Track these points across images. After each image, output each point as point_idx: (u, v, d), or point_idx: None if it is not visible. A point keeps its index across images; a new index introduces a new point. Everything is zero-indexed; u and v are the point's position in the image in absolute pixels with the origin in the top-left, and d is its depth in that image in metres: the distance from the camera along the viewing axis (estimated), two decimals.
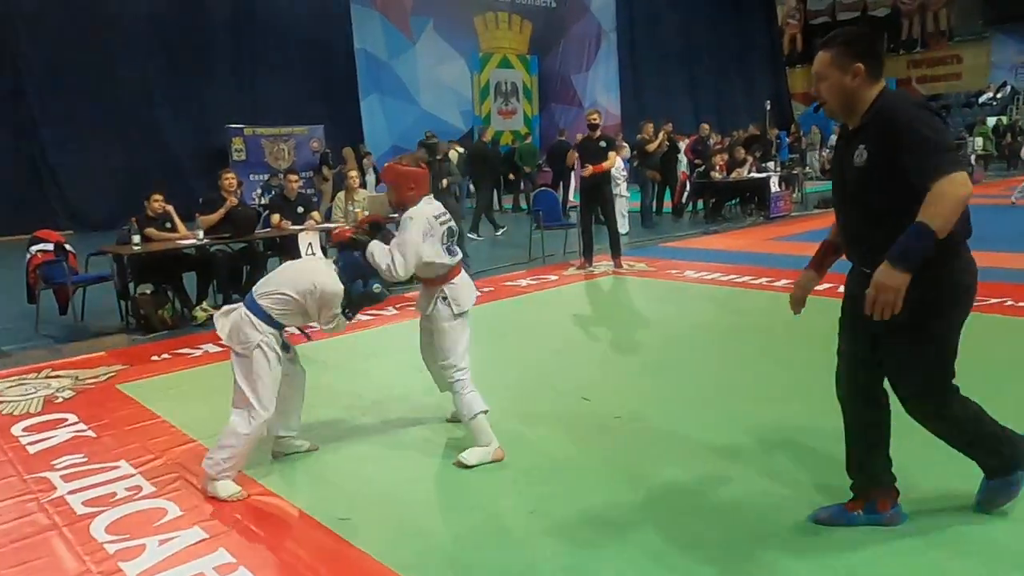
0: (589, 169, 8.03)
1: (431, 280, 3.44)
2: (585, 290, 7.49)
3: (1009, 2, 24.47)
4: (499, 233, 11.65)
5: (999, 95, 24.59)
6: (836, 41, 2.37)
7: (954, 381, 2.43)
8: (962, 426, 2.50)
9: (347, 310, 3.30)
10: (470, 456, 3.30)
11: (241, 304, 3.23)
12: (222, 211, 6.78)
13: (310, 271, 3.31)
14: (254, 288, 3.28)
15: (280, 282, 3.23)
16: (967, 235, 2.34)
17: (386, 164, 3.55)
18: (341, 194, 8.28)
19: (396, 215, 3.23)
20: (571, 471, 3.22)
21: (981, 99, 24.79)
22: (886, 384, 2.53)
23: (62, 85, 13.81)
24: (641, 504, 2.91)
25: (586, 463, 3.30)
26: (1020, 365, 4.36)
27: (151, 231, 6.60)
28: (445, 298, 3.39)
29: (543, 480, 3.16)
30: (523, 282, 7.75)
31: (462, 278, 3.48)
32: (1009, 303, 5.62)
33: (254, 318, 3.13)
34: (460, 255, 3.59)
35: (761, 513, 2.76)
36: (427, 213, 3.40)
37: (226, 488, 3.09)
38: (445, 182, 8.40)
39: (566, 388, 4.31)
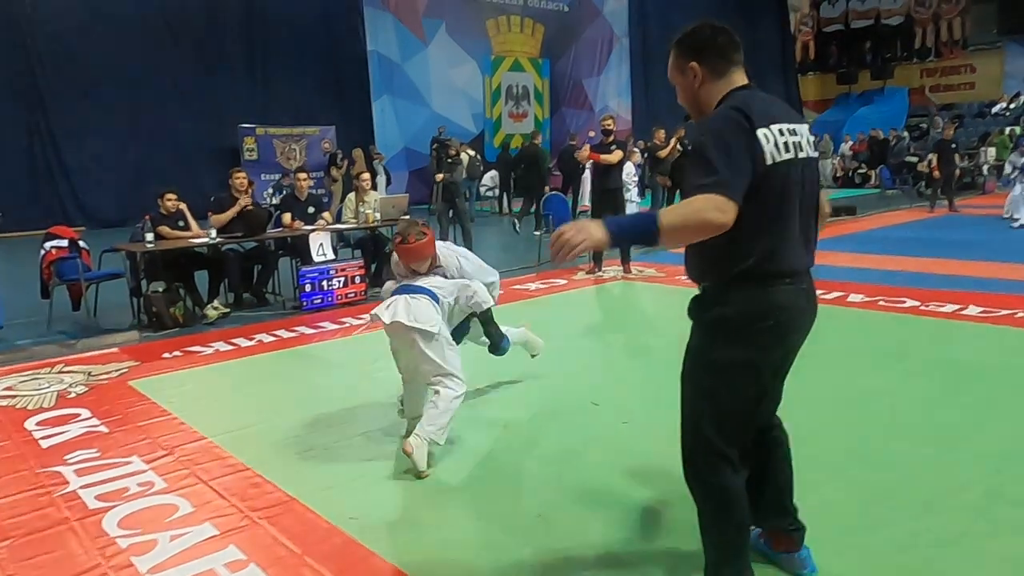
0: (586, 149, 8.07)
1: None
2: (594, 295, 7.50)
3: (1022, 12, 24.34)
4: (539, 233, 11.68)
5: (1012, 105, 24.42)
6: (674, 41, 2.20)
7: (731, 445, 2.11)
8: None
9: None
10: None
11: (409, 294, 3.43)
12: (235, 210, 6.83)
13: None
14: (420, 281, 3.52)
15: (450, 289, 3.56)
16: (765, 271, 1.99)
17: (399, 248, 3.61)
18: (352, 195, 8.32)
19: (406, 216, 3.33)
20: (579, 475, 3.23)
21: (994, 109, 24.63)
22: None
23: (76, 82, 13.94)
24: (650, 510, 2.92)
25: (594, 468, 3.31)
26: None
27: (164, 229, 6.66)
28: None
29: (552, 484, 3.17)
30: (532, 286, 7.77)
31: None
32: (1020, 315, 5.61)
33: (435, 303, 3.41)
34: None
35: None
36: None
37: (423, 461, 3.26)
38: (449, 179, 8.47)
39: (574, 392, 4.32)
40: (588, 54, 22.29)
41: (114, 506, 3.05)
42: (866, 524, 2.69)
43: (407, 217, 8.13)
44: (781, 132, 1.98)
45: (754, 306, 2.02)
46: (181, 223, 6.88)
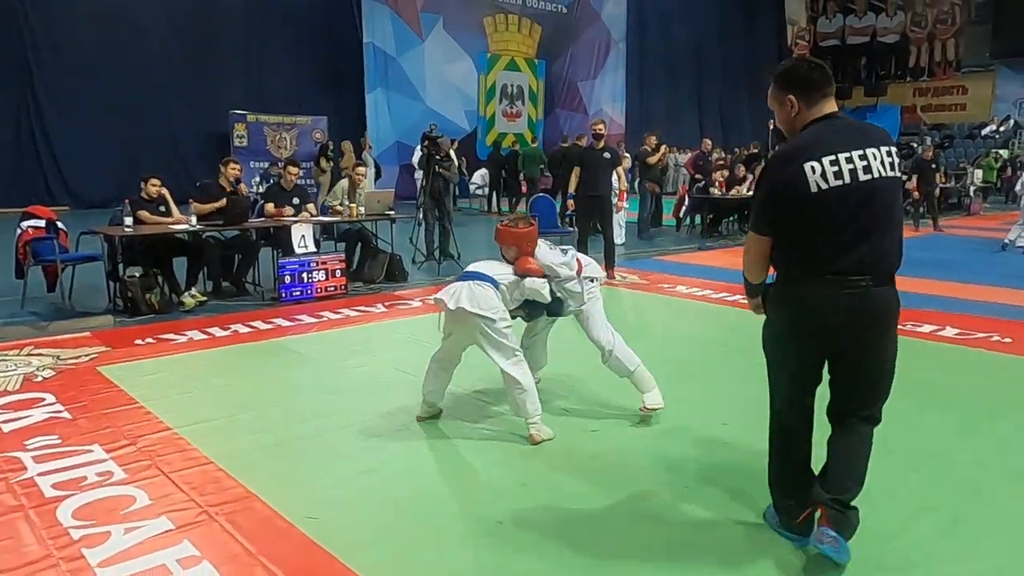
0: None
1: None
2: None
3: (1016, 37, 24.57)
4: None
5: (1002, 128, 24.67)
6: (773, 75, 2.58)
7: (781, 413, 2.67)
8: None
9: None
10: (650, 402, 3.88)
11: (473, 280, 3.57)
12: (217, 204, 6.75)
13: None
14: (483, 268, 3.67)
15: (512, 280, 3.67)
16: (808, 271, 2.44)
17: (499, 227, 3.87)
18: (344, 182, 8.27)
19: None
20: (545, 483, 3.20)
21: (984, 131, 24.88)
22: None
23: (67, 61, 13.80)
24: (616, 518, 2.89)
25: (560, 477, 3.28)
26: (998, 399, 4.36)
27: (144, 214, 6.59)
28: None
29: (517, 491, 3.14)
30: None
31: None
32: (995, 338, 5.63)
33: (495, 290, 3.55)
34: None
35: (753, 530, 2.76)
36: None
37: (543, 431, 3.56)
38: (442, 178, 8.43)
39: (547, 397, 4.29)
40: (584, 57, 22.30)
41: (70, 495, 2.99)
42: None
43: (391, 212, 8.10)
44: (833, 162, 2.35)
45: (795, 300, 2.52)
46: (162, 208, 6.80)
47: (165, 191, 6.86)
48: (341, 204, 7.91)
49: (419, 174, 11.04)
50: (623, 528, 2.83)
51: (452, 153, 12.71)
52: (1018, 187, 11.24)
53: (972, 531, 2.81)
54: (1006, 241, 10.80)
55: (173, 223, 6.73)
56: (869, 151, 2.37)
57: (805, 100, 2.47)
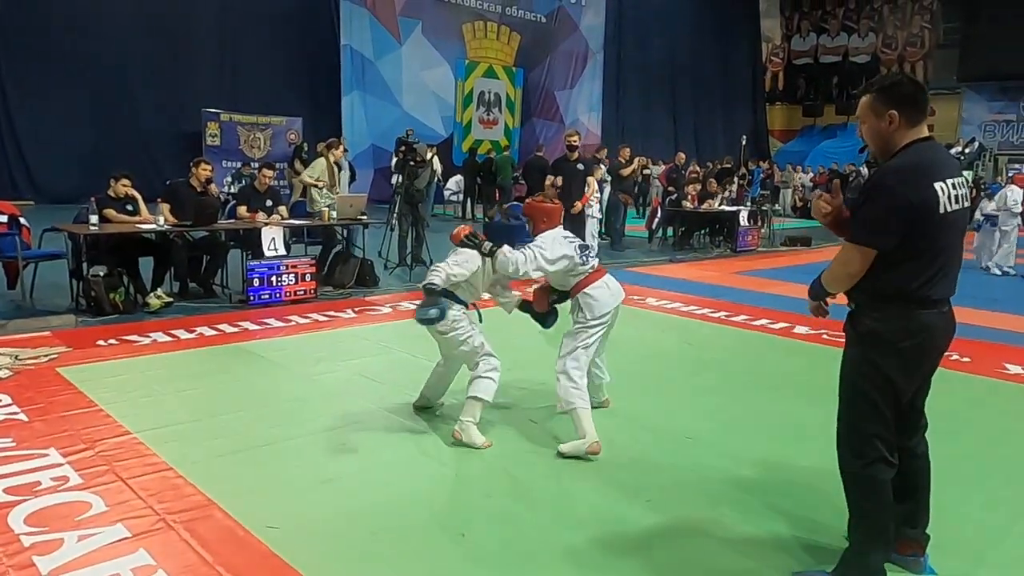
0: (578, 206, 8.19)
1: (569, 290, 3.88)
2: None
3: (982, 61, 25.24)
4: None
5: (967, 150, 25.27)
6: (874, 87, 2.47)
7: (883, 442, 2.42)
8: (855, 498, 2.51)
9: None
10: (569, 447, 3.63)
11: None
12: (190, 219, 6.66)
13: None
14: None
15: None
16: (920, 298, 2.35)
17: (527, 202, 4.01)
18: (321, 161, 8.40)
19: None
20: (509, 495, 3.20)
21: (950, 152, 25.46)
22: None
23: (35, 54, 13.50)
24: (581, 530, 2.90)
25: (524, 489, 3.28)
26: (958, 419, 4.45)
27: (110, 212, 6.48)
28: (579, 306, 3.82)
29: (481, 502, 3.14)
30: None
31: (597, 287, 3.82)
32: (954, 357, 5.75)
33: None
34: (593, 263, 3.92)
35: (706, 537, 2.78)
36: (558, 234, 3.86)
37: (476, 438, 3.64)
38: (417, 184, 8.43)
39: (510, 408, 4.29)
40: (562, 66, 22.40)
41: (23, 500, 2.93)
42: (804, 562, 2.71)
43: (364, 217, 8.05)
44: (954, 186, 2.33)
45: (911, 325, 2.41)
46: (130, 207, 6.69)
47: (134, 192, 6.75)
48: (319, 181, 7.94)
49: (395, 179, 11.00)
50: (587, 539, 2.84)
51: (436, 159, 12.68)
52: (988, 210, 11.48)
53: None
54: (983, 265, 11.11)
55: (140, 222, 6.63)
56: (960, 180, 2.39)
57: (908, 118, 2.39)
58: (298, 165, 14.34)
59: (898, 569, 2.61)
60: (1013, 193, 11.01)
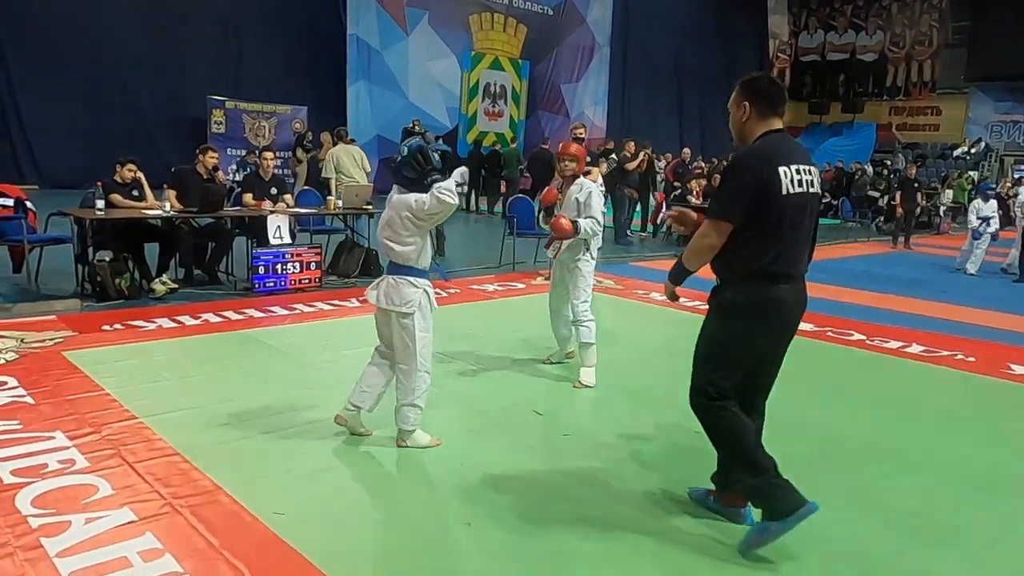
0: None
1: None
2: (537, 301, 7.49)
3: (990, 61, 25.12)
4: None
5: (973, 150, 25.19)
6: (739, 81, 2.80)
7: (727, 395, 2.74)
8: (722, 438, 2.80)
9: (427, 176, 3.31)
10: (587, 377, 4.51)
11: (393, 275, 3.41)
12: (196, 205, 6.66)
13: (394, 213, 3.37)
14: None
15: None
16: (767, 273, 2.63)
17: (565, 143, 4.88)
18: (337, 151, 9.16)
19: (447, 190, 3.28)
20: (513, 485, 3.21)
21: (956, 152, 25.38)
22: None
23: (41, 38, 13.48)
24: (592, 522, 2.91)
25: (529, 479, 3.29)
26: (961, 417, 4.45)
27: (116, 197, 6.48)
28: (588, 249, 4.60)
29: (487, 492, 3.14)
30: (490, 287, 7.74)
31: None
32: (960, 356, 5.75)
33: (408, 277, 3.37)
34: None
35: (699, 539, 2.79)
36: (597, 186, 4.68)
37: (422, 439, 3.52)
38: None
39: (519, 400, 4.30)
40: (568, 59, 22.34)
41: (30, 483, 2.94)
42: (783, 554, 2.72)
43: (370, 206, 8.05)
44: (789, 170, 2.60)
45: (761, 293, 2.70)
46: (136, 192, 6.69)
47: (141, 175, 6.75)
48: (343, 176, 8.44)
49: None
50: (599, 528, 2.84)
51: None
52: (972, 218, 11.42)
53: (931, 542, 2.86)
54: (958, 266, 11.04)
55: (146, 208, 6.63)
56: (811, 168, 2.70)
57: (758, 111, 2.72)
58: (300, 153, 14.32)
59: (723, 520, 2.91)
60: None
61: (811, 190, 2.66)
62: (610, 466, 3.46)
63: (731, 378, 2.73)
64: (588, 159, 8.24)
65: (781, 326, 2.73)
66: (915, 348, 5.93)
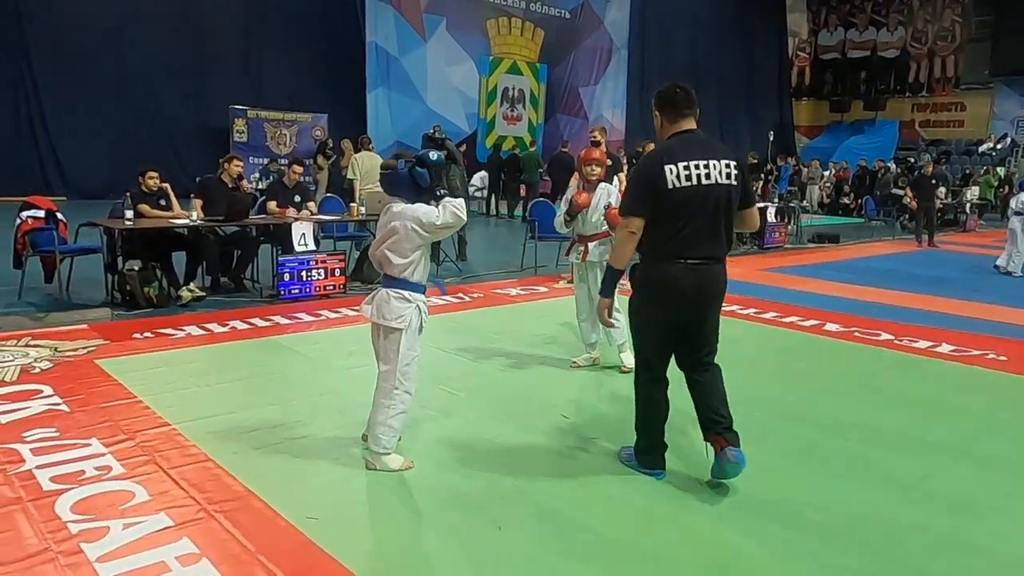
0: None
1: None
2: (573, 304, 7.48)
3: (1015, 55, 24.73)
4: None
5: (999, 146, 24.80)
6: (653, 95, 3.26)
7: (652, 366, 3.26)
8: (637, 402, 3.35)
9: (438, 189, 3.27)
10: (631, 360, 4.33)
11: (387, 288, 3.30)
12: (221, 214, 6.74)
13: (398, 224, 3.26)
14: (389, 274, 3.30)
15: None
16: (663, 254, 3.10)
17: (588, 149, 5.13)
18: (363, 156, 9.56)
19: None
20: (544, 490, 3.21)
21: (981, 148, 25.02)
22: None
23: (67, 50, 13.76)
24: (622, 524, 2.90)
25: (560, 483, 3.29)
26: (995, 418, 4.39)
27: (144, 207, 6.57)
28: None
29: (516, 497, 3.15)
30: (513, 291, 7.75)
31: None
32: (991, 356, 5.66)
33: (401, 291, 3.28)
34: None
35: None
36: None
37: (394, 461, 3.35)
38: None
39: (548, 402, 4.30)
40: (586, 62, 22.35)
41: (69, 489, 2.99)
42: (826, 566, 2.70)
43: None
44: (686, 165, 3.02)
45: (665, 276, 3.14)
46: (163, 202, 6.79)
47: (166, 185, 6.85)
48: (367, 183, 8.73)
49: None
50: (631, 530, 2.84)
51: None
52: (1011, 208, 10.89)
53: (961, 551, 2.83)
54: (997, 264, 10.51)
55: (173, 217, 6.72)
56: (711, 162, 3.05)
57: (667, 117, 3.18)
58: (321, 160, 14.45)
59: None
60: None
61: (705, 182, 3.02)
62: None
63: (651, 349, 3.25)
64: (610, 162, 8.27)
65: (679, 300, 3.11)
66: (944, 347, 5.85)
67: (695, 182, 3.01)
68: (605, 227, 4.81)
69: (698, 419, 3.24)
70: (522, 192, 15.71)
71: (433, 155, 3.29)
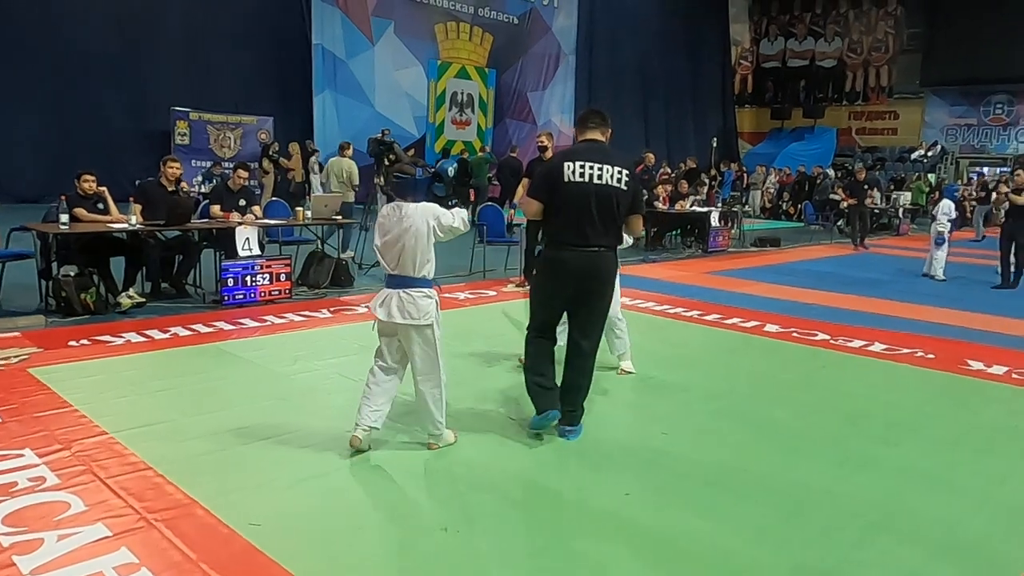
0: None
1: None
2: (522, 308, 7.53)
3: (944, 66, 25.86)
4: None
5: (930, 153, 25.85)
6: None
7: (540, 331, 3.87)
8: (526, 352, 3.93)
9: (451, 200, 3.62)
10: (628, 365, 5.07)
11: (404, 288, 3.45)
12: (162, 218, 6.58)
13: (415, 223, 3.43)
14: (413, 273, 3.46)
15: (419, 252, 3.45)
16: (559, 241, 3.72)
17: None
18: (344, 163, 9.73)
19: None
20: (486, 491, 3.24)
21: (913, 155, 26.04)
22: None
23: (1, 47, 13.23)
24: (562, 524, 2.95)
25: (501, 482, 3.33)
26: (923, 413, 4.59)
27: (81, 211, 6.39)
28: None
29: (462, 497, 3.17)
30: (461, 295, 7.76)
31: None
32: (920, 354, 5.91)
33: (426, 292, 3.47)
34: None
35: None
36: None
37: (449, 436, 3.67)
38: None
39: (493, 403, 4.34)
40: (535, 68, 22.50)
41: (1, 501, 2.89)
42: (761, 549, 2.79)
43: (339, 217, 8.04)
44: (582, 166, 3.65)
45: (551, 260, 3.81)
46: (100, 205, 6.60)
47: (103, 188, 6.67)
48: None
49: (378, 179, 11.12)
50: (570, 531, 2.89)
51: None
52: (935, 215, 11.15)
53: (893, 539, 2.96)
54: (924, 272, 10.74)
55: (111, 221, 6.55)
56: (605, 166, 3.65)
57: (579, 130, 3.93)
58: (266, 164, 14.22)
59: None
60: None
61: (595, 182, 3.62)
62: (589, 468, 3.51)
63: (539, 316, 3.88)
64: None
65: (566, 279, 3.70)
66: (877, 347, 6.09)
67: (587, 179, 3.62)
68: None
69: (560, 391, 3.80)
70: (471, 197, 15.73)
71: (450, 170, 3.67)
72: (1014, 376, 5.38)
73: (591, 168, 3.62)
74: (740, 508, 3.13)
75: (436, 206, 3.48)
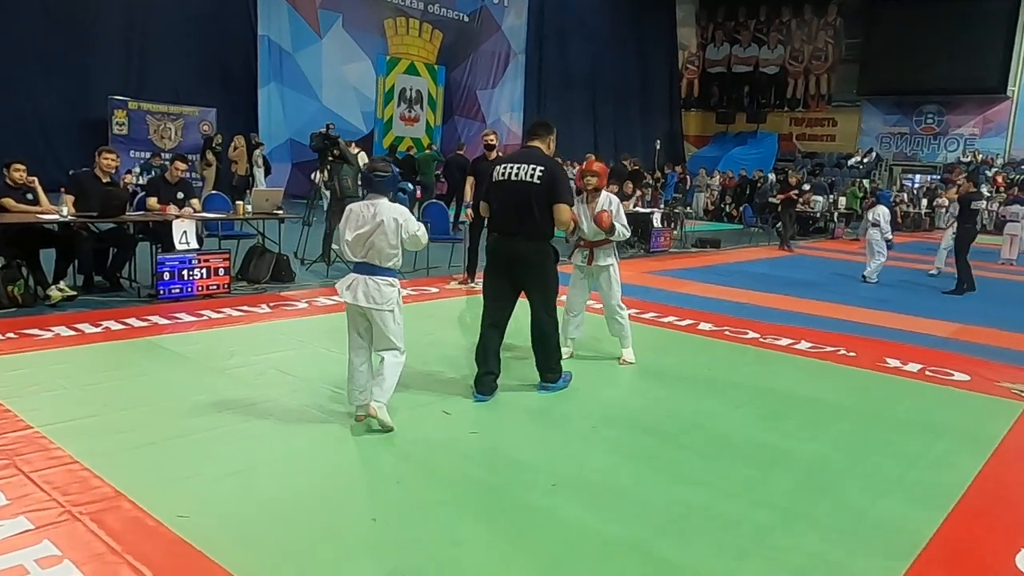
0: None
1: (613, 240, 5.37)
2: (465, 305, 7.61)
3: (880, 77, 26.86)
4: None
5: (866, 160, 26.82)
6: None
7: (489, 314, 4.47)
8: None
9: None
10: (629, 355, 5.44)
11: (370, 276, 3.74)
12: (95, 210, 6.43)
13: (386, 218, 3.73)
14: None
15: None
16: (493, 230, 4.56)
17: (589, 160, 5.40)
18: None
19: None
20: (416, 484, 3.31)
21: (851, 162, 26.97)
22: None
23: None
24: (493, 515, 3.03)
25: (431, 478, 3.39)
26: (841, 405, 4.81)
27: (8, 202, 6.23)
28: (616, 254, 5.45)
29: (392, 488, 3.23)
30: (404, 292, 7.77)
31: None
32: (842, 352, 6.19)
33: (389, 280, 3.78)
34: None
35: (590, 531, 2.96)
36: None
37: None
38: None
39: (429, 400, 4.40)
40: (484, 66, 22.58)
41: None
42: (672, 539, 2.92)
43: (280, 211, 7.98)
44: (505, 167, 4.35)
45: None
46: (30, 196, 6.43)
47: (34, 178, 6.50)
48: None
49: (316, 175, 10.97)
50: (499, 522, 2.98)
51: (363, 155, 12.62)
52: (868, 220, 11.27)
53: (805, 525, 3.12)
54: (863, 275, 10.84)
55: (41, 212, 6.38)
56: (523, 166, 4.27)
57: (525, 139, 4.59)
58: (209, 157, 13.97)
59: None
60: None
61: (514, 178, 4.25)
62: (518, 460, 3.60)
63: (487, 303, 4.47)
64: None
65: (497, 263, 4.43)
66: (803, 344, 6.34)
67: (507, 178, 4.30)
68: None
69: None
70: (418, 194, 15.73)
71: (409, 186, 3.95)
72: (927, 373, 5.68)
73: (511, 168, 4.30)
74: (661, 491, 3.26)
75: (406, 211, 3.85)
